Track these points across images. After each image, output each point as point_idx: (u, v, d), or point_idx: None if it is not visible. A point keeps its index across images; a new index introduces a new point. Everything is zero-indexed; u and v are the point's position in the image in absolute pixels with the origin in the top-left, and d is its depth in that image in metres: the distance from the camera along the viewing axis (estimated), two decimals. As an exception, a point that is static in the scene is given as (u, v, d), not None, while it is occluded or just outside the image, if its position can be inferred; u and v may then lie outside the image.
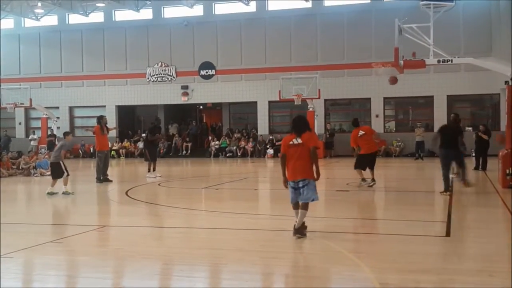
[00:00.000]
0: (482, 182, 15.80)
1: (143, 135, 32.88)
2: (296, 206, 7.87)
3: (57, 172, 13.71)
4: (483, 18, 27.83)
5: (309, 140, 7.84)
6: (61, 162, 13.71)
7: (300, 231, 7.72)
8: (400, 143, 29.07)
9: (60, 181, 13.70)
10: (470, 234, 8.37)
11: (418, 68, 18.28)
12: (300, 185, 7.74)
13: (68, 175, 13.75)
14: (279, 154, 9.30)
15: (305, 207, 7.74)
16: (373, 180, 14.18)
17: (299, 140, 7.81)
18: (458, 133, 12.92)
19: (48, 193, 13.50)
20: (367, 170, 14.32)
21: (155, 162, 18.41)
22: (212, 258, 6.91)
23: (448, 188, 12.49)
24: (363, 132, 14.35)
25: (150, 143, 19.04)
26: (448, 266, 6.29)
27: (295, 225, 7.75)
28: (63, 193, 13.41)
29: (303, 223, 7.76)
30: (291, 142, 7.86)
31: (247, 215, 10.16)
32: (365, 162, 14.25)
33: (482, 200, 12.49)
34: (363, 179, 14.24)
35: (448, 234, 8.05)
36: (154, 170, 18.22)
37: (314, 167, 7.81)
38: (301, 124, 7.97)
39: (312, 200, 7.79)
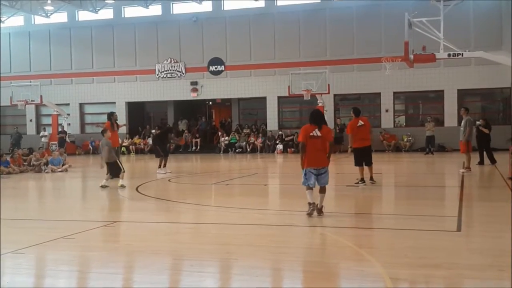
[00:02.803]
0: (492, 176, 15.71)
1: (153, 131, 33.06)
2: (310, 187, 8.98)
3: (115, 170, 14.21)
4: (493, 11, 27.59)
5: (328, 134, 9.12)
6: (118, 161, 14.28)
7: (321, 212, 8.94)
8: (410, 138, 28.94)
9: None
10: (480, 229, 8.34)
11: (428, 62, 18.22)
12: (322, 171, 9.00)
13: (124, 171, 14.32)
14: (295, 141, 10.76)
15: (325, 190, 9.10)
16: (371, 179, 13.54)
17: (319, 133, 8.96)
18: None
19: (101, 186, 14.00)
20: (366, 169, 13.60)
21: (166, 158, 18.46)
22: (222, 253, 6.93)
23: None
24: (362, 123, 13.64)
25: (159, 139, 19.06)
26: (459, 261, 6.28)
27: (316, 205, 8.91)
28: (120, 186, 13.90)
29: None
30: (312, 134, 8.97)
31: (257, 211, 10.17)
32: (359, 157, 13.56)
33: (492, 194, 12.43)
34: (362, 180, 13.45)
35: (459, 228, 8.03)
36: (165, 166, 18.26)
37: (328, 156, 9.13)
38: (321, 118, 9.19)
39: (327, 184, 9.15)
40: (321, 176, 9.01)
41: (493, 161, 18.35)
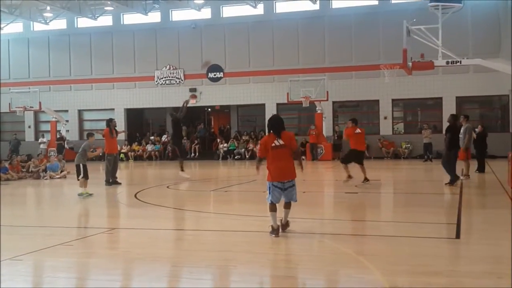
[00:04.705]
0: (491, 183, 15.72)
1: (152, 137, 33.05)
2: (275, 207, 8.06)
3: (77, 173, 13.89)
4: (491, 19, 27.68)
5: (290, 141, 8.09)
6: (81, 165, 13.82)
7: (286, 227, 8.17)
8: (409, 145, 28.96)
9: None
10: (480, 236, 8.33)
11: (426, 70, 18.21)
12: (288, 185, 7.99)
13: (84, 177, 13.76)
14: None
15: (290, 206, 8.14)
16: (366, 179, 14.82)
17: (281, 142, 7.99)
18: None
19: (79, 194, 13.58)
20: (359, 170, 15.07)
21: (183, 159, 18.36)
22: (221, 260, 6.91)
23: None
24: (359, 131, 15.30)
25: (177, 136, 18.92)
26: (458, 268, 6.27)
27: (281, 221, 8.14)
28: (78, 194, 13.55)
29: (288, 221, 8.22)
30: (273, 144, 7.99)
31: (256, 217, 10.15)
32: (352, 156, 15.18)
33: (491, 201, 12.43)
34: (350, 176, 14.90)
35: (458, 236, 8.02)
36: (182, 169, 18.17)
37: (299, 165, 8.21)
38: (278, 124, 8.15)
39: (295, 201, 8.10)
40: (287, 191, 7.99)
41: (481, 169, 18.36)
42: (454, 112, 27.74)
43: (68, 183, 18.45)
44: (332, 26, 30.06)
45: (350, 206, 11.80)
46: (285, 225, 8.20)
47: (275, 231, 7.98)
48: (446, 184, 14.20)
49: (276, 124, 8.13)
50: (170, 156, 27.57)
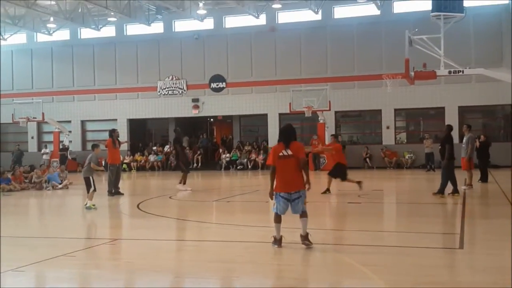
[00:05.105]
0: (494, 193, 15.67)
1: (154, 148, 33.05)
2: (280, 218, 7.89)
3: (87, 186, 13.57)
4: (493, 28, 27.72)
5: (298, 151, 7.85)
6: (90, 177, 13.57)
7: (308, 238, 7.80)
8: (411, 155, 28.91)
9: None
10: (483, 247, 8.28)
11: (429, 79, 18.22)
12: (294, 197, 7.77)
13: (94, 190, 13.50)
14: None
15: (306, 214, 7.84)
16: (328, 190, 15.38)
17: (289, 152, 7.79)
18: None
19: (86, 208, 13.22)
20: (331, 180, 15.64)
21: (186, 174, 18.30)
22: (223, 271, 6.89)
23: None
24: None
25: (182, 152, 18.98)
26: (461, 279, 6.24)
27: (301, 234, 7.83)
28: (86, 207, 13.22)
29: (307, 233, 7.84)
30: (280, 154, 7.84)
31: (259, 228, 10.13)
32: (343, 170, 15.63)
33: (494, 211, 12.38)
34: (360, 182, 15.25)
35: (461, 246, 7.98)
36: (184, 183, 18.13)
37: (305, 178, 7.84)
38: (288, 133, 7.98)
39: (301, 213, 7.84)
40: (294, 202, 7.77)
41: (484, 179, 18.30)
42: (457, 122, 27.93)
43: (71, 194, 18.46)
44: (334, 36, 30.13)
45: (353, 216, 11.77)
46: (305, 236, 7.82)
47: (277, 242, 7.88)
48: (449, 194, 14.15)
49: (286, 134, 7.98)
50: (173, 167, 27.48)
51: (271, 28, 18.73)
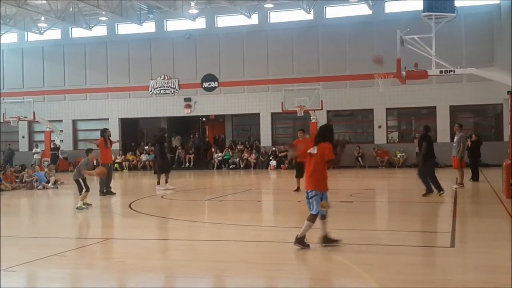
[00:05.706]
0: (485, 192, 15.74)
1: (146, 147, 32.97)
2: (311, 217, 7.73)
3: (78, 188, 13.59)
4: (485, 28, 27.87)
5: (323, 152, 7.70)
6: (80, 179, 13.52)
7: (301, 241, 7.68)
8: (403, 154, 29.01)
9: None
10: (474, 245, 8.32)
11: (420, 79, 18.27)
12: (310, 195, 7.71)
13: (87, 190, 13.44)
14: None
15: (311, 219, 7.67)
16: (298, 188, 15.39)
17: (315, 151, 7.75)
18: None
19: (77, 208, 13.14)
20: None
21: (167, 174, 18.18)
22: (216, 270, 6.89)
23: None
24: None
25: (158, 154, 18.81)
26: (453, 277, 6.26)
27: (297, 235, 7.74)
28: (76, 207, 13.15)
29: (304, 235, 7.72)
30: (308, 151, 7.86)
31: (251, 227, 10.13)
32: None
33: (486, 210, 12.43)
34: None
35: (452, 245, 8.02)
36: (166, 182, 18.05)
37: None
38: (323, 133, 7.94)
39: (316, 213, 7.68)
40: (307, 201, 7.77)
41: (475, 177, 18.37)
42: (449, 121, 28.09)
43: (62, 194, 18.37)
44: (326, 36, 30.17)
45: (345, 215, 11.77)
46: (324, 236, 7.85)
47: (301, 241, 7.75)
48: (439, 193, 14.15)
49: (320, 133, 8.00)
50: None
51: (378, 59, 17.88)
